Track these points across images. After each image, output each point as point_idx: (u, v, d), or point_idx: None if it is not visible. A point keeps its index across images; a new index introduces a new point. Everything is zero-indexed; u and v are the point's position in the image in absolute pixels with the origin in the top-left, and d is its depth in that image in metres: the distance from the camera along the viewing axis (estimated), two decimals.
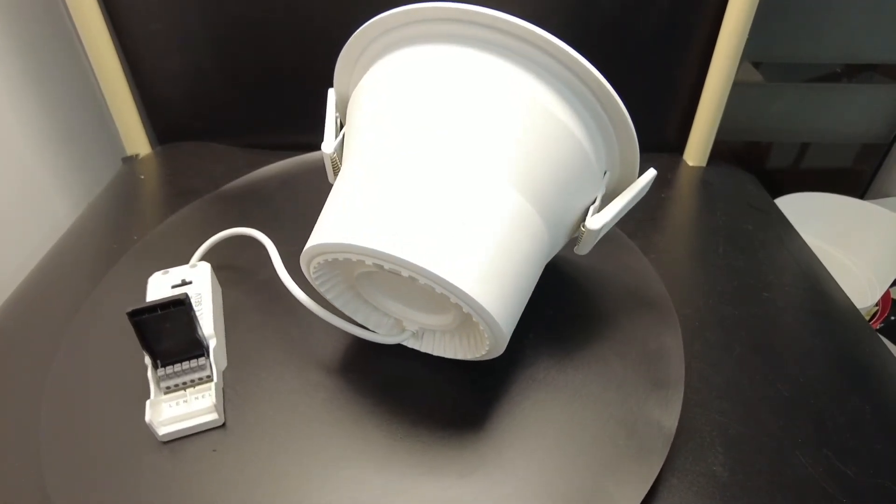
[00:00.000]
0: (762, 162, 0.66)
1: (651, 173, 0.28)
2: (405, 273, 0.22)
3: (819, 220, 0.62)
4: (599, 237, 0.28)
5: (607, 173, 0.28)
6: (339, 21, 0.49)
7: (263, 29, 0.50)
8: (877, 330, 0.57)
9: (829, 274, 0.42)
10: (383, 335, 0.29)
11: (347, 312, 0.29)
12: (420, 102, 0.24)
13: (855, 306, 0.39)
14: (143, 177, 0.51)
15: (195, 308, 0.28)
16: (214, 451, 0.26)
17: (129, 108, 0.52)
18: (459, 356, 0.28)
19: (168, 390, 0.28)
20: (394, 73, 0.25)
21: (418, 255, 0.22)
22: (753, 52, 0.57)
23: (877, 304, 0.56)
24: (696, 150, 0.54)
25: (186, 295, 0.26)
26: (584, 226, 0.27)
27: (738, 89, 0.52)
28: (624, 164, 0.27)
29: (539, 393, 0.28)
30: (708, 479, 0.27)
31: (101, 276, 0.38)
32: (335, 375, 0.29)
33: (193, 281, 0.33)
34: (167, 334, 0.27)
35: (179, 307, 0.26)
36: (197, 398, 0.27)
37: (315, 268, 0.25)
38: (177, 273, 0.33)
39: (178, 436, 0.27)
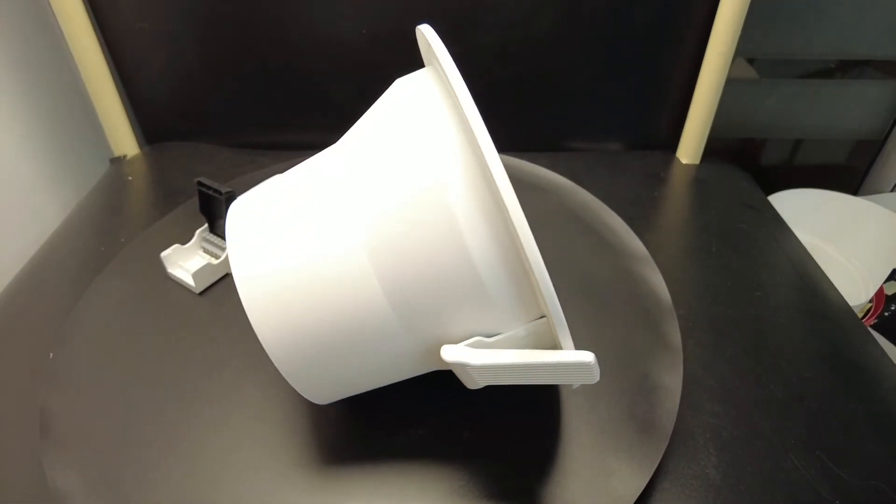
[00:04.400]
0: (756, 159, 0.66)
1: (580, 357, 0.19)
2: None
3: (813, 217, 0.62)
4: (479, 380, 0.21)
5: (544, 319, 0.21)
6: (326, 20, 0.49)
7: (250, 28, 0.49)
8: (871, 326, 0.57)
9: (823, 273, 0.42)
10: None
11: None
12: (363, 127, 0.22)
13: (848, 305, 0.39)
14: (130, 178, 0.51)
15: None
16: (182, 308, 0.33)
17: (116, 108, 0.52)
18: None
19: (205, 250, 0.37)
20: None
21: (233, 242, 0.22)
22: (747, 49, 0.56)
23: (870, 301, 0.56)
24: (690, 148, 0.54)
25: (233, 193, 0.35)
26: None
27: (732, 86, 0.51)
28: (558, 325, 0.20)
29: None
30: (700, 482, 0.27)
31: (89, 278, 0.38)
32: None
33: None
34: (216, 212, 0.36)
35: (219, 196, 0.35)
36: (208, 265, 0.34)
37: None
38: None
39: (175, 279, 0.35)
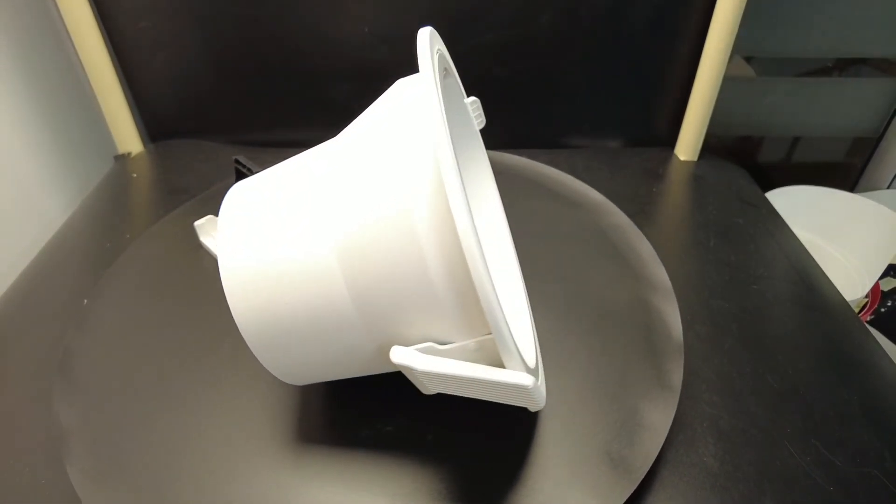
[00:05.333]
0: (754, 156, 0.66)
1: (516, 378, 0.20)
2: None
3: (809, 213, 0.63)
4: (428, 386, 0.22)
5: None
6: (328, 18, 0.49)
7: (254, 26, 0.50)
8: (867, 321, 0.58)
9: (819, 267, 0.42)
10: None
11: None
12: (353, 130, 0.23)
13: (844, 299, 0.39)
14: (135, 175, 0.51)
15: None
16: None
17: (120, 106, 0.52)
18: None
19: None
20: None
21: (223, 221, 0.23)
22: (745, 47, 0.57)
23: (866, 296, 0.57)
24: (688, 145, 0.54)
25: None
26: None
27: (730, 84, 0.52)
28: (501, 344, 0.20)
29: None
30: (699, 470, 0.27)
31: (96, 274, 0.38)
32: None
33: None
34: None
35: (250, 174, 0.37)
36: None
37: None
38: None
39: (205, 247, 0.38)
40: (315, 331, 0.22)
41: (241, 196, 0.24)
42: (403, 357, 0.21)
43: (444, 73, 0.26)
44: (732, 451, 0.28)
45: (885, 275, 0.58)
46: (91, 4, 0.48)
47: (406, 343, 0.22)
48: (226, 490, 0.25)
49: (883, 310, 0.58)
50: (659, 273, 0.35)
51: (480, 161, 0.32)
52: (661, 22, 0.50)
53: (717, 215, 0.47)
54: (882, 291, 0.58)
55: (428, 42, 0.21)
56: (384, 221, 0.21)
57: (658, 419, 0.27)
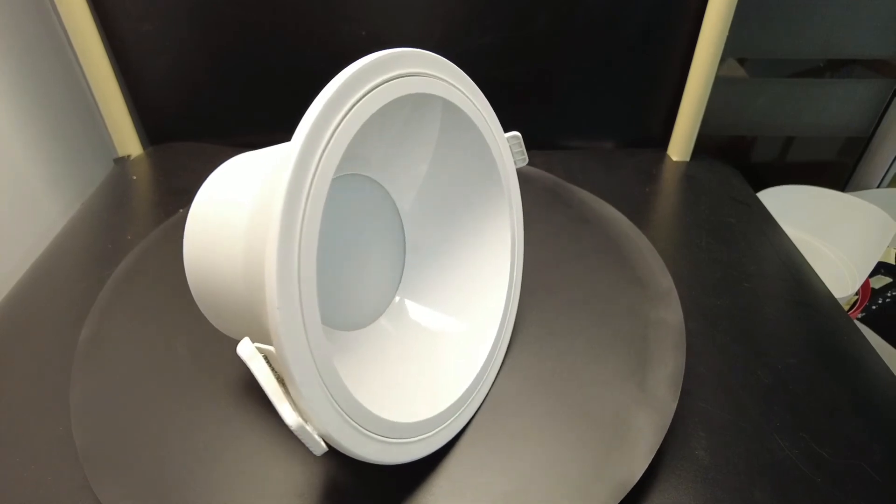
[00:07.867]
0: (747, 156, 0.67)
1: (283, 412, 0.19)
2: None
3: (801, 213, 0.64)
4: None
5: None
6: (327, 21, 0.50)
7: (253, 30, 0.51)
8: (859, 319, 0.59)
9: (809, 265, 0.43)
10: None
11: None
12: None
13: (832, 295, 0.40)
14: (135, 177, 0.52)
15: None
16: None
17: (120, 109, 0.53)
18: None
19: None
20: None
21: (210, 177, 0.26)
22: (737, 49, 0.58)
23: (857, 294, 0.58)
24: (680, 146, 0.55)
25: None
26: None
27: (723, 85, 0.53)
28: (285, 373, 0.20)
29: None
30: (690, 463, 0.28)
31: (97, 276, 0.39)
32: None
33: None
34: None
35: None
36: None
37: None
38: None
39: None
40: (219, 283, 0.23)
41: (233, 161, 0.27)
42: (244, 350, 0.20)
43: (412, 103, 0.25)
44: (724, 445, 0.29)
45: (875, 272, 0.59)
46: (91, 8, 0.48)
47: (261, 340, 0.21)
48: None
49: (874, 307, 0.59)
50: (668, 397, 0.29)
51: (498, 196, 0.30)
52: (654, 25, 0.51)
53: (710, 214, 0.48)
54: (872, 289, 0.59)
55: (324, 101, 0.21)
56: (264, 206, 0.22)
57: None
